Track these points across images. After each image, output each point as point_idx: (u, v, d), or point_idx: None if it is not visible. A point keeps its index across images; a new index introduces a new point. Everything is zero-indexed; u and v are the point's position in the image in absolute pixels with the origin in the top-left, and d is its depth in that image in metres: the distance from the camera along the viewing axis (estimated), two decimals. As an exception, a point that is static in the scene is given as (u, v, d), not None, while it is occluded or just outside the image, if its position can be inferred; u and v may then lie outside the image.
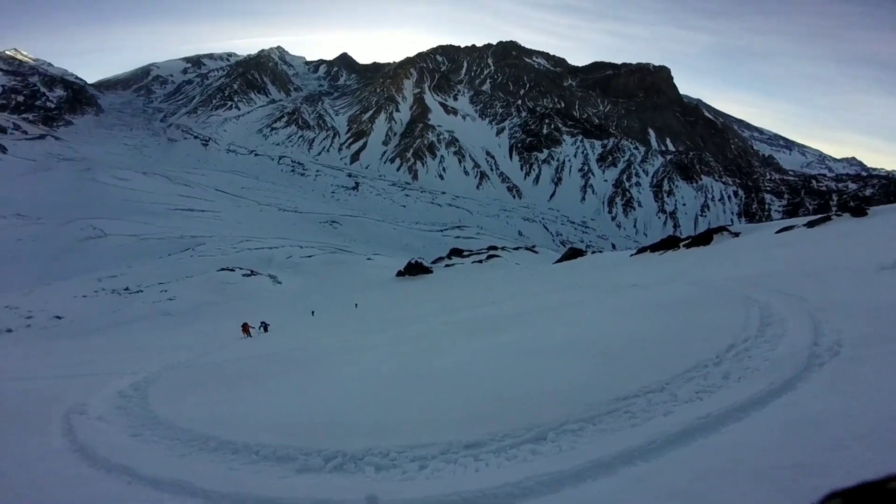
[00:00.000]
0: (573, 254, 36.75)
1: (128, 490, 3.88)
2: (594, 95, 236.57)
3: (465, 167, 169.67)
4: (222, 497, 3.51)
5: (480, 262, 41.72)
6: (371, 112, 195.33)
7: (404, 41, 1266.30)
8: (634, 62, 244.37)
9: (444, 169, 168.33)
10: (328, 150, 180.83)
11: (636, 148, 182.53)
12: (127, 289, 37.40)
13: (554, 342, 7.11)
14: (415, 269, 37.48)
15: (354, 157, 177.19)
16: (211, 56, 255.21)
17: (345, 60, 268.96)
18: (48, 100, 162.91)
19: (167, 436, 5.18)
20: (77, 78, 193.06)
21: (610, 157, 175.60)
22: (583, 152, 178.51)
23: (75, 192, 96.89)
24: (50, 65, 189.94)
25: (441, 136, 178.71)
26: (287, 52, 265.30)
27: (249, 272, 42.56)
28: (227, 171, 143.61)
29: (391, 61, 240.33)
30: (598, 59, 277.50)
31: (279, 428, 4.84)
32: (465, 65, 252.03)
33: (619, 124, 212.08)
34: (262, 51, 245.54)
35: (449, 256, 47.17)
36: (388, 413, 5.03)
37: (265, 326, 18.01)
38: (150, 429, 5.56)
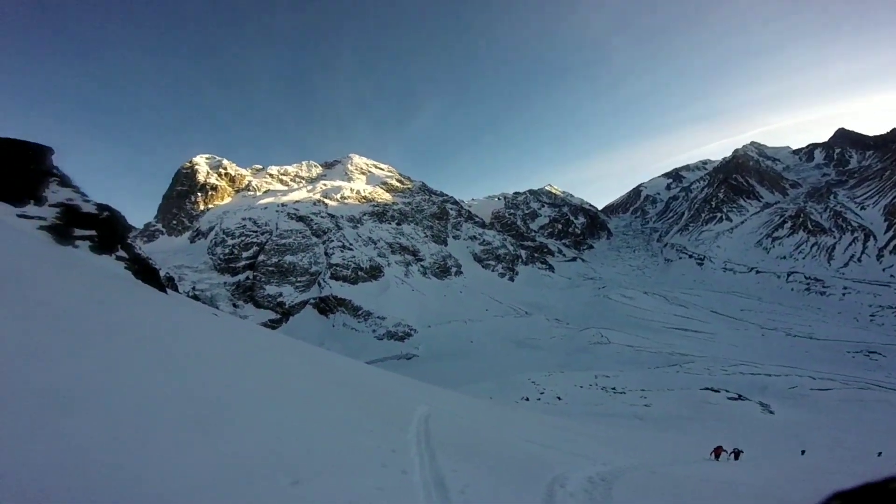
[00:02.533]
0: None
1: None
2: None
3: None
4: None
5: None
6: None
7: None
8: None
9: None
10: (858, 259, 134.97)
11: None
12: (614, 388, 43.08)
13: None
14: None
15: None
16: (687, 167, 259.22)
17: (846, 137, 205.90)
18: (575, 227, 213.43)
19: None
20: (591, 205, 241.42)
21: None
22: None
23: (593, 305, 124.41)
24: (571, 195, 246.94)
25: None
26: (765, 145, 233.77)
27: (736, 396, 39.51)
28: (724, 291, 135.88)
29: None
30: None
31: None
32: None
33: None
34: (737, 150, 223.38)
35: None
36: None
37: (737, 454, 16.94)
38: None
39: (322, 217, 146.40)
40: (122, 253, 14.62)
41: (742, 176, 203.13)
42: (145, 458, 3.32)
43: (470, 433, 10.57)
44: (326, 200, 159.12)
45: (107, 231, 14.46)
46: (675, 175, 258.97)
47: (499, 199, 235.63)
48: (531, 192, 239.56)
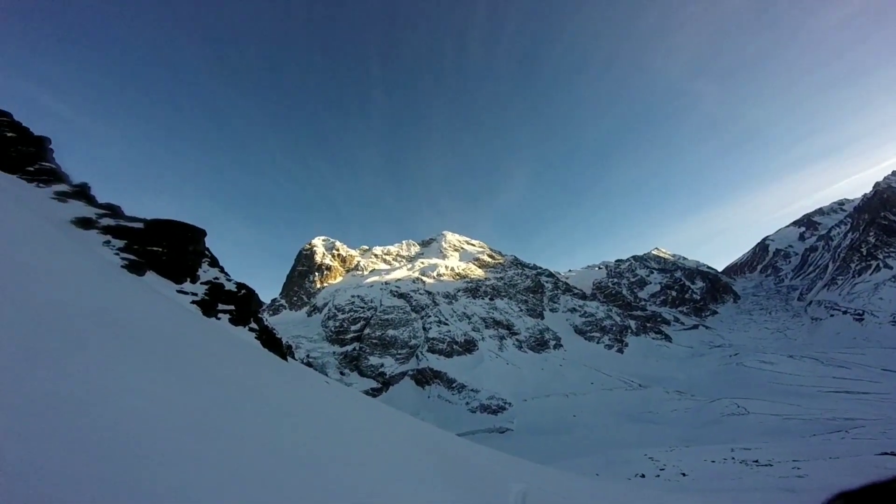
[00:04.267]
0: None
1: None
2: None
3: None
4: None
5: None
6: None
7: None
8: None
9: None
10: None
11: None
12: (756, 461, 34.97)
13: None
14: None
15: None
16: (820, 211, 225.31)
17: None
18: (693, 292, 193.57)
19: None
20: (709, 268, 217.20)
21: None
22: None
23: (723, 374, 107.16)
24: (685, 258, 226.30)
25: None
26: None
27: (935, 472, 28.47)
28: (894, 347, 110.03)
29: None
30: None
31: None
32: None
33: None
34: (878, 184, 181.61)
35: None
36: None
37: None
38: None
39: (420, 294, 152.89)
40: (253, 325, 16.47)
41: (892, 212, 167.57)
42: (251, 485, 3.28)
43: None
44: (424, 278, 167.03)
45: (243, 306, 16.56)
46: (807, 222, 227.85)
47: (599, 268, 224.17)
48: (636, 258, 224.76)
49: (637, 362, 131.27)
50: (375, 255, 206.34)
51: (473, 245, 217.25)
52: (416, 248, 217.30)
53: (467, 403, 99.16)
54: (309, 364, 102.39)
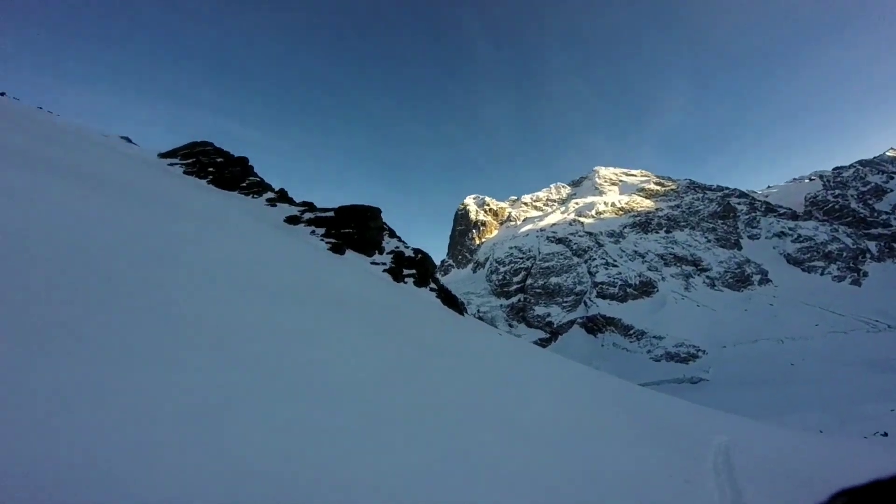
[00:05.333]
0: None
1: None
2: None
3: None
4: None
5: None
6: None
7: None
8: None
9: None
10: None
11: None
12: None
13: None
14: None
15: None
16: None
17: None
18: None
19: None
20: None
21: None
22: None
23: None
24: None
25: None
26: None
27: None
28: None
29: None
30: None
31: None
32: None
33: None
34: None
35: None
36: None
37: None
38: None
39: (580, 236, 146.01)
40: (432, 285, 18.31)
41: None
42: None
43: (793, 467, 7.45)
44: (581, 219, 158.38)
45: (422, 270, 18.49)
46: None
47: (811, 179, 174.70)
48: (862, 163, 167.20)
49: (881, 296, 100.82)
50: (525, 204, 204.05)
51: (633, 175, 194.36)
52: (566, 190, 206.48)
53: (649, 352, 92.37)
54: (480, 318, 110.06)
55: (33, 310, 2.80)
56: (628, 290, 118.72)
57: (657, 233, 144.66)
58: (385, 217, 21.68)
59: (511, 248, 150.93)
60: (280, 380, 3.49)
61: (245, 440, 2.43)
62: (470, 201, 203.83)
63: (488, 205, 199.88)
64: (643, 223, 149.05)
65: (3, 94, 20.55)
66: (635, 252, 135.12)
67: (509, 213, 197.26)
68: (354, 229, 18.44)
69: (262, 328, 4.53)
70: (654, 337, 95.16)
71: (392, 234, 21.57)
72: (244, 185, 21.97)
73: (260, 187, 22.51)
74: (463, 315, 18.61)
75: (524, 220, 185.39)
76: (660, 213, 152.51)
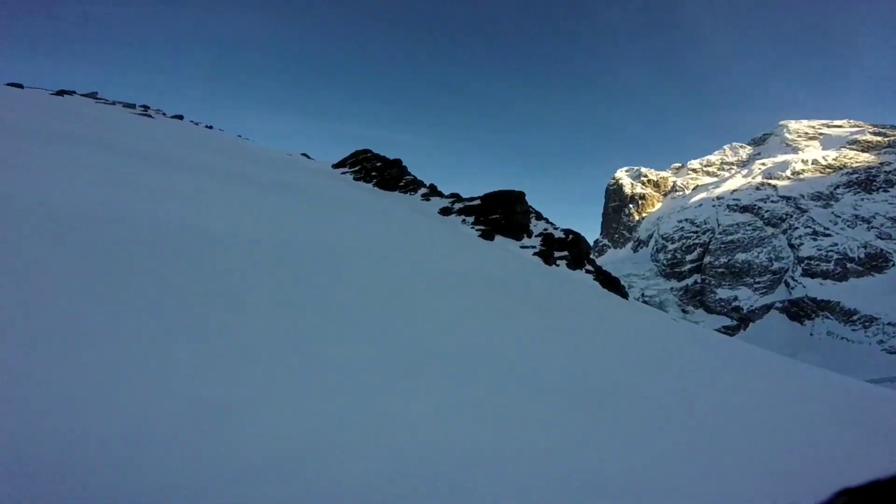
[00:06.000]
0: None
1: None
2: None
3: None
4: None
5: None
6: None
7: None
8: None
9: None
10: None
11: None
12: None
13: None
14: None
15: None
16: None
17: None
18: None
19: None
20: None
21: None
22: None
23: None
24: None
25: None
26: None
27: None
28: None
29: None
30: None
31: None
32: None
33: None
34: None
35: None
36: None
37: None
38: None
39: (773, 202, 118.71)
40: (588, 267, 16.92)
41: None
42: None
43: None
44: (772, 182, 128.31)
45: (575, 251, 17.27)
46: None
47: None
48: None
49: None
50: (693, 171, 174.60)
51: (839, 126, 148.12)
52: (746, 150, 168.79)
53: (881, 342, 70.76)
54: (645, 303, 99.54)
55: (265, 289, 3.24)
56: (849, 265, 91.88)
57: (885, 191, 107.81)
58: (530, 200, 20.96)
59: (681, 221, 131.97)
60: (450, 356, 3.50)
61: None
62: (622, 174, 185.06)
63: (645, 176, 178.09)
64: (863, 181, 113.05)
65: (210, 126, 26.42)
66: (855, 217, 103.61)
67: (673, 182, 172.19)
68: (501, 215, 18.27)
69: (433, 310, 4.70)
70: (888, 324, 71.95)
71: (539, 217, 20.75)
72: (402, 184, 23.92)
73: (414, 185, 24.21)
74: (627, 298, 16.73)
75: (694, 189, 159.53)
76: (887, 168, 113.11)
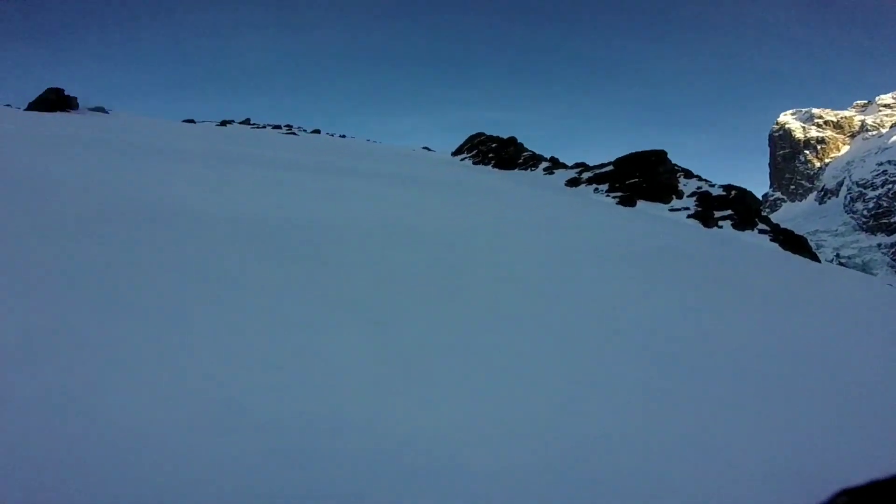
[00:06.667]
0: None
1: None
2: None
3: None
4: None
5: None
6: None
7: None
8: None
9: None
10: None
11: None
12: None
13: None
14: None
15: None
16: None
17: None
18: None
19: None
20: None
21: None
22: None
23: None
24: None
25: None
26: None
27: None
28: None
29: None
30: None
31: None
32: None
33: None
34: None
35: None
36: None
37: None
38: None
39: None
40: (762, 226, 13.99)
41: None
42: None
43: None
44: None
45: (741, 208, 14.44)
46: None
47: None
48: None
49: None
50: (886, 106, 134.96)
51: None
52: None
53: None
54: (841, 265, 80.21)
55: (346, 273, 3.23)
56: None
57: None
58: (675, 160, 18.23)
59: (881, 164, 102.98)
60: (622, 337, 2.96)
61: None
62: (788, 118, 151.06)
63: (820, 117, 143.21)
64: None
65: (343, 136, 28.51)
66: None
67: (862, 121, 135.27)
68: (641, 177, 16.15)
69: (587, 286, 4.21)
70: None
71: (689, 175, 17.86)
72: (520, 161, 23.11)
73: (534, 160, 23.20)
74: (819, 261, 13.35)
75: (893, 127, 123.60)
76: None
